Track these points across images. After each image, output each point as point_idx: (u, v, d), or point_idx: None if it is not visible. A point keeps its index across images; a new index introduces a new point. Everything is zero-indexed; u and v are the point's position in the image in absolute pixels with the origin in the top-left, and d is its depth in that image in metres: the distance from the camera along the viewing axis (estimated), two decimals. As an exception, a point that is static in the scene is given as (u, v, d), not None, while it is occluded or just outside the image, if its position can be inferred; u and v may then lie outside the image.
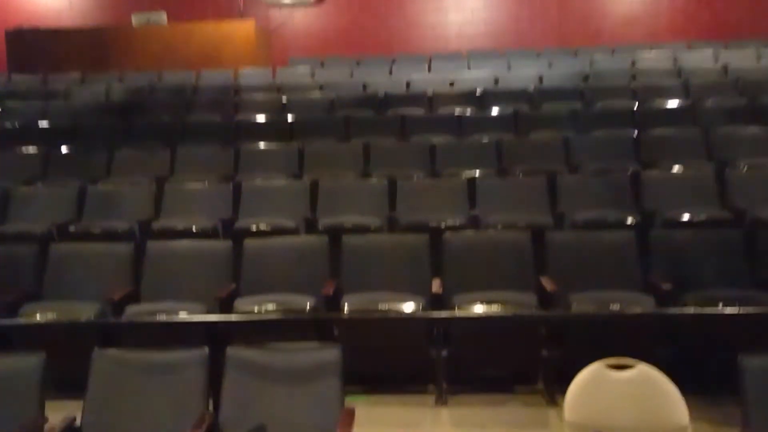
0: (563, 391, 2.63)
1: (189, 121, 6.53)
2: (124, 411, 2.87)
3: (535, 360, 3.68)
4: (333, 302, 3.81)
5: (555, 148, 5.53)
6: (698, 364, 3.31)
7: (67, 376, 3.28)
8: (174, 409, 2.84)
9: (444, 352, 3.62)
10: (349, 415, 2.76)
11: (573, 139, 5.63)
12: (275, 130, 6.20)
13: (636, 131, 5.68)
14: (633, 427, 2.59)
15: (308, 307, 3.76)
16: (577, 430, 2.57)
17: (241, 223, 4.73)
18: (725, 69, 7.40)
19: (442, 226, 4.44)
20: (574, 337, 3.55)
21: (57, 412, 2.89)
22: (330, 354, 2.92)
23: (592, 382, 2.60)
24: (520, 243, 4.13)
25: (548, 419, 3.40)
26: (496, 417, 3.42)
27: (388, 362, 3.72)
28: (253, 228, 4.60)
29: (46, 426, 2.83)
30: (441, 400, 3.60)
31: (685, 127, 5.74)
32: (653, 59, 8.07)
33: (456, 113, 6.36)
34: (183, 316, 3.63)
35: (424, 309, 3.70)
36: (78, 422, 2.85)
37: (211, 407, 2.92)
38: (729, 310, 3.43)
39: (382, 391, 3.63)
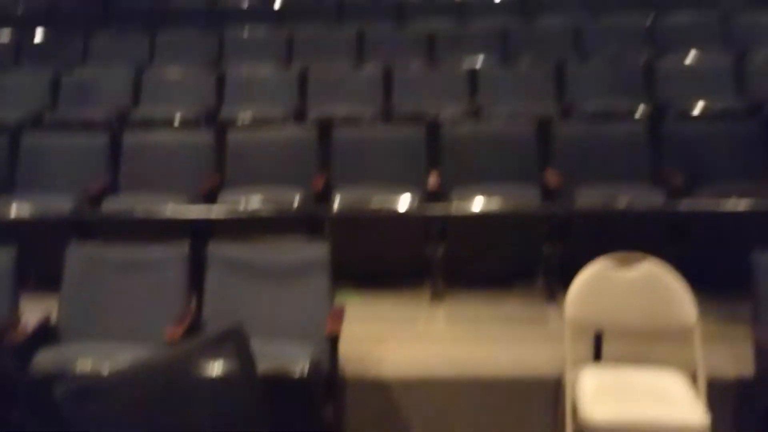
0: (564, 288, 2.55)
1: (170, 6, 6.23)
2: (100, 308, 2.81)
3: (536, 256, 3.56)
4: (323, 197, 3.68)
5: (564, 35, 5.31)
6: (709, 260, 3.19)
7: (44, 271, 3.17)
8: (153, 306, 2.78)
9: (440, 248, 3.49)
10: (339, 313, 2.68)
11: (583, 25, 5.39)
12: (262, 14, 5.91)
13: (651, 17, 5.43)
14: (638, 325, 2.55)
15: (296, 201, 3.63)
16: (578, 327, 2.50)
17: (225, 114, 4.59)
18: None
19: (441, 117, 4.24)
20: (579, 232, 3.44)
21: (35, 307, 2.83)
22: (318, 250, 2.84)
23: (596, 278, 2.54)
24: (524, 135, 3.96)
25: (547, 316, 3.31)
26: (493, 313, 3.35)
27: (382, 258, 3.62)
28: (239, 118, 4.46)
29: (21, 323, 2.73)
30: (437, 297, 3.50)
31: (703, 13, 5.48)
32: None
33: (458, -3, 6.02)
34: (163, 209, 3.47)
35: (420, 203, 3.56)
36: (53, 320, 2.74)
37: (194, 305, 2.81)
38: (742, 204, 3.28)
39: (376, 288, 3.54)
